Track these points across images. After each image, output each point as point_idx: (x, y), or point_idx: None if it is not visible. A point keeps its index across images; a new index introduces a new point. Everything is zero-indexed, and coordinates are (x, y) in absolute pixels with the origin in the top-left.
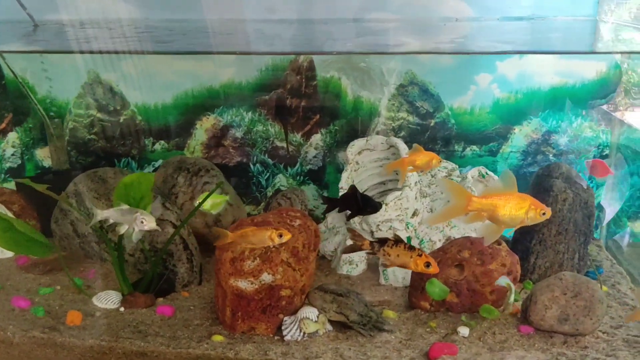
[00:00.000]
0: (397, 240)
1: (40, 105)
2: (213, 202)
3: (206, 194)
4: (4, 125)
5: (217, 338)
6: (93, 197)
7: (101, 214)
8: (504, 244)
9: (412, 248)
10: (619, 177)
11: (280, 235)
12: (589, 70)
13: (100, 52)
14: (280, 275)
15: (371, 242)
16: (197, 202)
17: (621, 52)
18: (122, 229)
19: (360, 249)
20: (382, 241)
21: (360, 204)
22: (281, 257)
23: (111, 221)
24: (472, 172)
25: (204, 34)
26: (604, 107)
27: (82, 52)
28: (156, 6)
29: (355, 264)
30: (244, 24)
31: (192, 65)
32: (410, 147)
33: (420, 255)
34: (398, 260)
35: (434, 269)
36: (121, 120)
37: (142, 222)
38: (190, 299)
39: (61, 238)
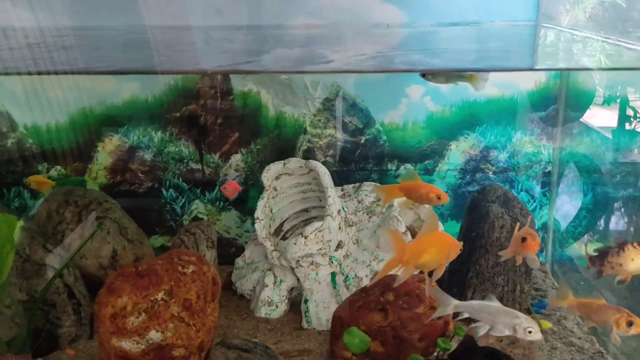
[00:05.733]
0: (621, 244)
1: None
2: None
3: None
4: None
5: None
6: None
7: (455, 306)
8: (434, 282)
9: None
10: (567, 195)
11: (631, 324)
12: (527, 80)
13: None
14: (171, 333)
15: (590, 257)
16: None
17: (559, 69)
18: (482, 330)
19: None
20: (603, 254)
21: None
22: (171, 312)
23: (465, 315)
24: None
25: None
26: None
27: None
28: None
29: (275, 305)
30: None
31: (88, 80)
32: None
33: None
34: (635, 265)
35: None
36: (8, 144)
37: (528, 332)
38: (75, 358)
39: None
